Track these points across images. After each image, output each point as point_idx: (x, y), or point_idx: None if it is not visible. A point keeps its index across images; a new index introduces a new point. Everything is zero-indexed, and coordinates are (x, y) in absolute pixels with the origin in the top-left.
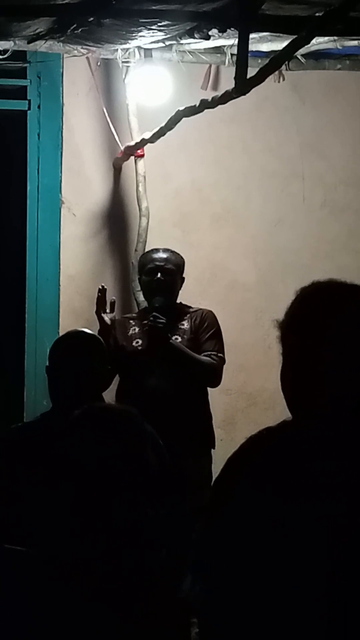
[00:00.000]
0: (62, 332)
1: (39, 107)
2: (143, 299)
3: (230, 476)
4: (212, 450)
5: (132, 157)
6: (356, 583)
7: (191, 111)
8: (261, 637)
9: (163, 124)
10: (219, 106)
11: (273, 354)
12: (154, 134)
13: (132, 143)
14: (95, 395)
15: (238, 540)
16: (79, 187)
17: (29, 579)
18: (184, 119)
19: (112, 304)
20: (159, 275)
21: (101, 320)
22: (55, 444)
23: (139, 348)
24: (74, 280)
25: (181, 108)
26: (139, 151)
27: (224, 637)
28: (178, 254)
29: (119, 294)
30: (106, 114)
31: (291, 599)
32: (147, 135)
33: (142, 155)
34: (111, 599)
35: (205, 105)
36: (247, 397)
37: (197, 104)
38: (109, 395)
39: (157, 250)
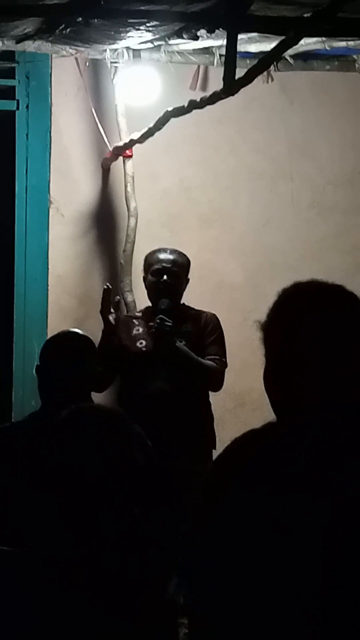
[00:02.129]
0: (50, 332)
1: (27, 107)
2: (132, 299)
3: (216, 479)
4: (213, 450)
5: (121, 158)
6: (350, 584)
7: (179, 111)
8: (255, 631)
9: (151, 125)
10: (207, 107)
11: (261, 354)
12: (142, 135)
13: (121, 143)
14: (84, 396)
15: (227, 543)
16: (67, 188)
17: (17, 579)
18: (172, 119)
19: (117, 303)
20: (165, 277)
21: (106, 320)
22: (43, 444)
23: (143, 349)
24: (62, 280)
25: (169, 108)
26: (127, 151)
27: (216, 632)
28: (184, 255)
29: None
30: (94, 115)
31: (284, 601)
32: (136, 135)
33: (131, 156)
34: (99, 597)
35: (193, 105)
36: (236, 397)
37: (186, 105)
38: (109, 395)
39: (164, 250)
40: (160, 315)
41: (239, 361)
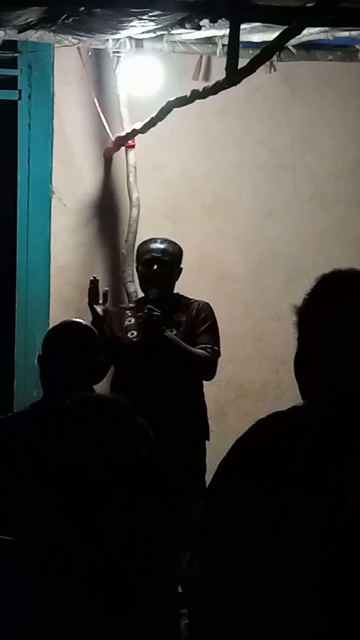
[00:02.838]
0: (52, 323)
1: (29, 97)
2: (134, 289)
3: (234, 458)
4: (207, 442)
5: (123, 148)
6: (353, 570)
7: (182, 102)
8: (256, 622)
9: (154, 115)
10: (210, 97)
11: (263, 345)
12: (144, 125)
13: (123, 133)
14: (87, 387)
15: (238, 524)
16: (69, 178)
17: (19, 569)
18: (174, 109)
19: (105, 294)
20: (155, 267)
21: (93, 311)
22: (46, 434)
23: (134, 340)
24: (64, 271)
25: (172, 98)
26: (129, 142)
27: (217, 621)
28: (176, 245)
29: (109, 285)
30: (97, 104)
31: (288, 585)
32: (138, 125)
33: (133, 146)
34: (101, 588)
35: (196, 95)
36: (237, 388)
37: (188, 95)
38: (103, 386)
39: (155, 240)
40: (148, 305)
41: (241, 352)
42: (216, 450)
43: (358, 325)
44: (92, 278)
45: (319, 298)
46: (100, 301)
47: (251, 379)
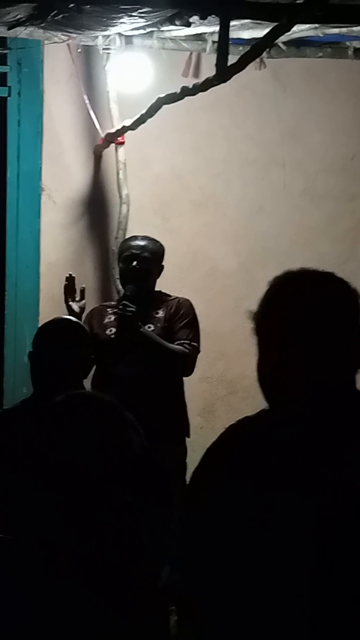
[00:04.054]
0: (42, 320)
1: (19, 93)
2: None
3: (210, 466)
4: (187, 439)
5: (113, 144)
6: (340, 566)
7: (172, 98)
8: (244, 624)
9: (144, 111)
10: (200, 94)
11: (253, 341)
12: (134, 121)
13: (113, 130)
14: (76, 383)
15: (220, 530)
16: (59, 174)
17: (9, 565)
18: (164, 106)
19: (82, 291)
20: (134, 263)
21: (69, 308)
22: (36, 431)
23: (112, 336)
24: (54, 267)
25: (162, 95)
26: (119, 138)
27: (206, 625)
28: (157, 242)
29: (99, 282)
30: (86, 101)
31: (275, 586)
32: (128, 122)
33: (123, 143)
34: (90, 581)
35: (185, 92)
36: (227, 384)
37: (178, 91)
38: (86, 383)
39: (135, 237)
40: (124, 301)
41: (231, 348)
42: (205, 446)
43: (327, 319)
44: (67, 275)
45: (281, 299)
46: (77, 298)
47: (241, 375)
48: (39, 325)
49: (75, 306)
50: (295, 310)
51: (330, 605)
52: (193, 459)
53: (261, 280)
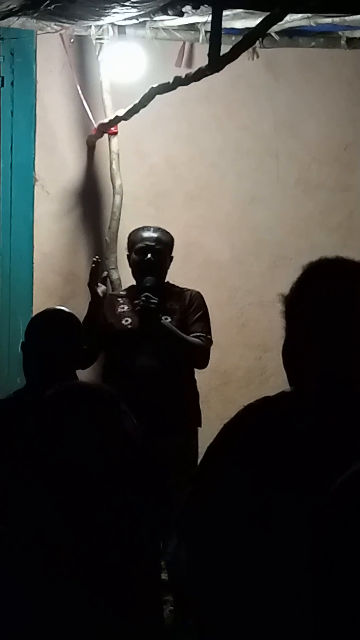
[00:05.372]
0: (35, 310)
1: (12, 83)
2: (117, 276)
3: (222, 443)
4: (199, 428)
5: (106, 135)
6: (341, 555)
7: (165, 88)
8: (243, 607)
9: (137, 101)
10: (193, 84)
11: (247, 332)
12: (127, 111)
13: (106, 120)
14: (70, 374)
15: (226, 509)
16: (52, 165)
17: (7, 558)
18: (157, 96)
19: (104, 278)
20: (149, 255)
21: (94, 292)
22: (30, 422)
23: (129, 327)
24: (47, 258)
25: (155, 85)
26: (112, 128)
27: (205, 606)
28: (168, 233)
29: None
30: (80, 91)
31: (276, 571)
32: (121, 112)
33: (116, 133)
34: (89, 576)
35: (178, 82)
36: (221, 375)
37: (171, 81)
38: (93, 373)
39: (147, 228)
40: (146, 293)
41: (225, 339)
42: (200, 436)
43: (348, 312)
44: (94, 259)
45: (307, 286)
46: (99, 284)
47: (235, 365)
48: (33, 315)
49: (99, 290)
50: (320, 301)
51: (333, 598)
52: (200, 450)
53: (255, 271)
